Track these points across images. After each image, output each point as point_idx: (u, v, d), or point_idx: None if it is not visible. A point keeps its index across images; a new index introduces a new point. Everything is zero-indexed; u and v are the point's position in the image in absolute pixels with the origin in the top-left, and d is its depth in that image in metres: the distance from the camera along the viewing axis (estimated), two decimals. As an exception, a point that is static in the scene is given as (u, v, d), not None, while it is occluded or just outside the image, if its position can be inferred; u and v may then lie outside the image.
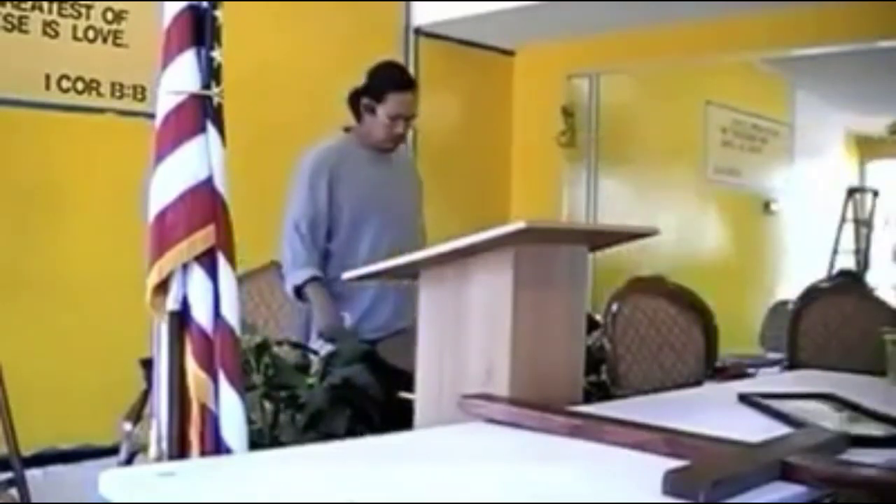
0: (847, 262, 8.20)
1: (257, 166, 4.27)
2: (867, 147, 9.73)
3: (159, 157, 1.96)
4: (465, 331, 1.90)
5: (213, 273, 1.94)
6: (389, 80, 3.06)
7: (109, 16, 4.18)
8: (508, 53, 6.04)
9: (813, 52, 5.22)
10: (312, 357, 2.73)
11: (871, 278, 7.70)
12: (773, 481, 1.33)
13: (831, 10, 4.58)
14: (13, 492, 2.94)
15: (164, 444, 1.94)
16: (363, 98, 3.04)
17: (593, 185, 6.00)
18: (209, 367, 1.93)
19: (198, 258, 1.93)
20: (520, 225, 1.77)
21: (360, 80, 3.11)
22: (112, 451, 3.01)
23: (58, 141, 4.06)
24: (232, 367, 1.95)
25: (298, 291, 2.95)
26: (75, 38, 4.09)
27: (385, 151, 3.10)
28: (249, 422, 2.08)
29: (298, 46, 4.84)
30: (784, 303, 5.25)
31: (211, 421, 1.94)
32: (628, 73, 6.28)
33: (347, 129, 3.14)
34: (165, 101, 1.97)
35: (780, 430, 1.71)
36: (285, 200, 3.04)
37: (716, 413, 2.02)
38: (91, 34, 4.13)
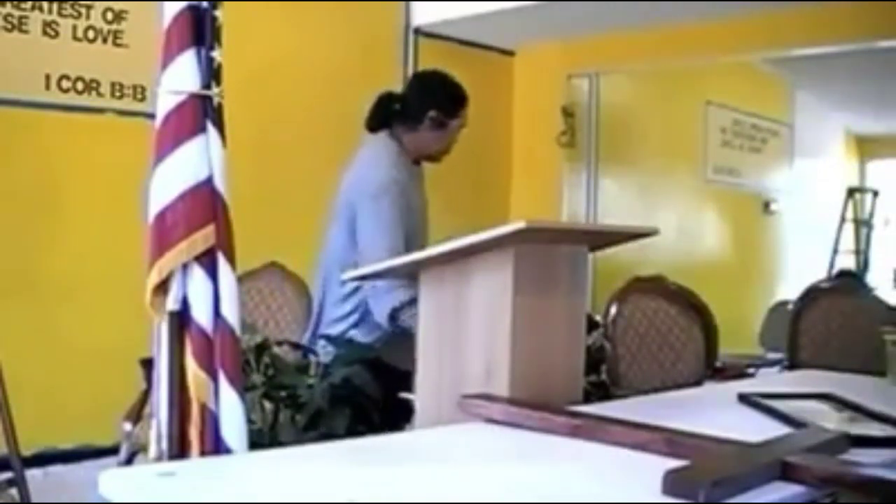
0: (847, 262, 8.22)
1: (258, 166, 4.28)
2: (867, 147, 9.75)
3: (159, 157, 1.95)
4: (465, 331, 1.90)
5: (213, 273, 1.94)
6: (461, 95, 3.03)
7: (109, 16, 4.18)
8: (508, 53, 6.04)
9: (813, 52, 5.23)
10: (312, 358, 2.73)
11: (871, 278, 7.72)
12: (773, 481, 1.33)
13: (831, 10, 4.58)
14: (13, 492, 2.94)
15: (164, 444, 1.94)
16: (431, 111, 2.90)
17: (593, 185, 6.01)
18: (209, 367, 1.93)
19: (198, 258, 1.93)
20: (520, 225, 1.77)
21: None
22: (112, 451, 3.01)
23: (58, 141, 4.06)
24: (232, 367, 1.95)
25: (393, 313, 2.65)
26: (75, 38, 4.09)
27: (418, 164, 2.99)
28: (249, 422, 2.08)
29: (298, 47, 4.84)
30: (784, 303, 5.27)
31: (211, 421, 1.94)
32: (628, 73, 6.28)
33: (391, 134, 2.93)
34: (165, 101, 1.96)
35: (780, 430, 1.71)
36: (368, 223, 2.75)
37: (716, 413, 2.02)
38: (91, 34, 4.13)
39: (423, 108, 2.92)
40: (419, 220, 2.90)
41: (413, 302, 2.53)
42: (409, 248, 2.72)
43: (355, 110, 4.87)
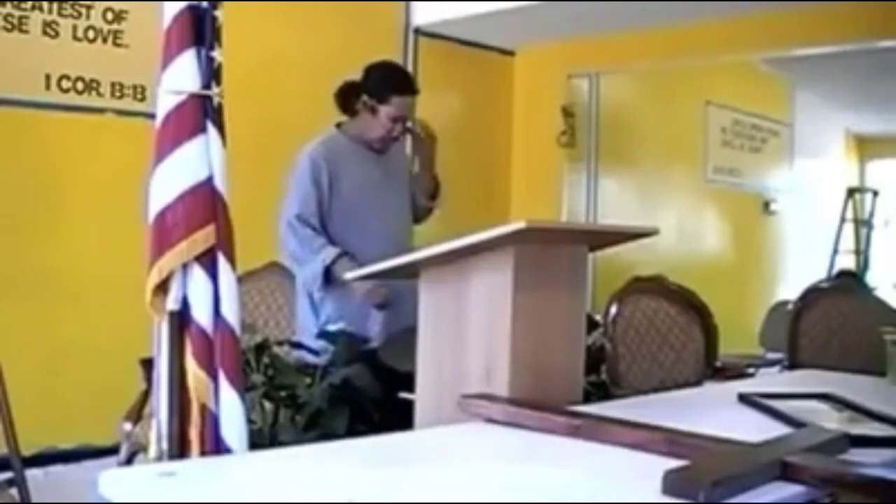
0: (847, 262, 8.21)
1: (258, 166, 4.27)
2: (867, 147, 9.74)
3: (159, 157, 1.96)
4: (465, 331, 1.90)
5: (213, 273, 1.94)
6: (394, 82, 3.06)
7: (109, 16, 4.18)
8: (508, 53, 6.04)
9: (813, 52, 5.22)
10: (312, 357, 2.73)
11: (871, 278, 7.71)
12: (773, 481, 1.33)
13: (831, 10, 4.58)
14: (13, 492, 2.94)
15: (164, 444, 1.94)
16: (363, 96, 3.02)
17: (593, 185, 6.01)
18: (209, 367, 1.93)
19: (198, 258, 1.93)
20: (520, 225, 1.77)
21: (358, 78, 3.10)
22: (112, 451, 3.01)
23: (58, 141, 4.06)
24: (232, 367, 1.95)
25: (327, 274, 2.88)
26: (75, 38, 4.08)
27: (377, 150, 3.09)
28: (249, 422, 2.08)
29: (298, 47, 4.84)
30: (784, 303, 5.26)
31: (211, 421, 1.94)
32: (628, 73, 6.28)
33: (339, 125, 3.13)
34: (165, 101, 1.97)
35: (780, 430, 1.71)
36: (282, 197, 3.02)
37: (716, 413, 2.02)
38: (91, 34, 4.13)
39: (358, 93, 3.05)
40: (357, 195, 3.00)
41: (342, 255, 2.85)
42: (332, 218, 2.95)
43: (355, 110, 4.78)
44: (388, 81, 3.05)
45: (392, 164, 3.17)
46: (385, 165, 3.12)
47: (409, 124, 3.09)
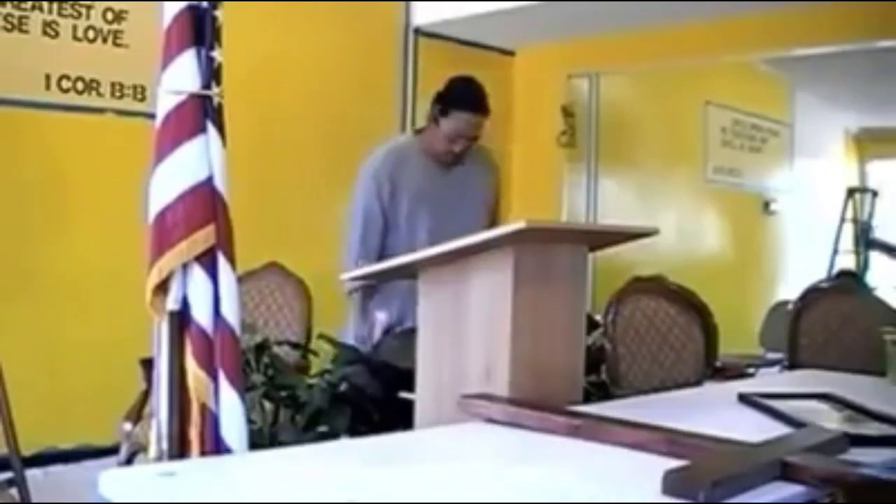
0: (847, 262, 8.20)
1: (258, 166, 4.28)
2: (867, 147, 9.74)
3: (159, 157, 1.96)
4: (464, 331, 1.90)
5: (213, 273, 1.95)
6: (458, 96, 3.01)
7: (109, 16, 4.18)
8: (508, 53, 6.03)
9: (813, 52, 5.22)
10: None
11: (871, 278, 7.71)
12: (773, 481, 1.33)
13: (831, 10, 4.58)
14: (13, 492, 2.94)
15: (164, 444, 1.94)
16: (434, 107, 3.03)
17: (593, 185, 6.00)
18: (209, 367, 1.93)
19: (198, 258, 1.93)
20: (520, 225, 1.77)
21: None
22: (112, 451, 3.01)
23: (58, 141, 4.06)
24: (232, 367, 1.95)
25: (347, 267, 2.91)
26: (75, 38, 4.08)
27: (444, 164, 3.07)
28: (249, 422, 2.08)
29: (298, 47, 4.84)
30: (784, 303, 5.26)
31: (211, 421, 1.94)
32: (628, 73, 6.27)
33: (419, 131, 3.16)
34: (165, 101, 1.97)
35: (780, 430, 1.71)
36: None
37: (716, 413, 2.02)
38: (91, 34, 4.13)
39: (432, 104, 3.06)
40: (410, 205, 3.00)
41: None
42: (387, 227, 2.98)
43: (355, 110, 4.86)
44: (452, 95, 3.01)
45: (463, 182, 3.12)
46: (452, 181, 3.09)
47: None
